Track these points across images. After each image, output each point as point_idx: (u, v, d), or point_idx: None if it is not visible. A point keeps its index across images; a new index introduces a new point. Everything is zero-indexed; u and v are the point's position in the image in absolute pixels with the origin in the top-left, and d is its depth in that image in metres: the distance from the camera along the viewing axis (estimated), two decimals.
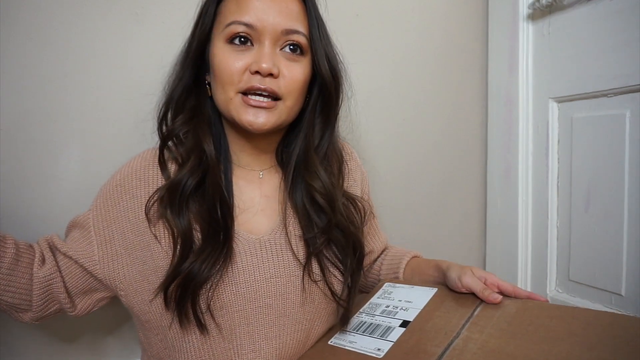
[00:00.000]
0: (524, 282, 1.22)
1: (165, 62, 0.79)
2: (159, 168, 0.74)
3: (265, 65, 0.68)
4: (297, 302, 0.74)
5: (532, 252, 1.21)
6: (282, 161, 0.81)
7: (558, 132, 1.14)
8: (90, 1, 0.86)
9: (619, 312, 0.96)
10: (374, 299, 0.82)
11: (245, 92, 0.70)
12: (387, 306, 0.78)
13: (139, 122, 0.87)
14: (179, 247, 0.68)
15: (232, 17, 0.70)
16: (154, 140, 0.78)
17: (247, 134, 0.76)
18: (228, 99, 0.71)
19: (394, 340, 0.69)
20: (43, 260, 0.72)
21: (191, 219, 0.70)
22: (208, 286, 0.68)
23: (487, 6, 1.29)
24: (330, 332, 0.78)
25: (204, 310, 0.68)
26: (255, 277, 0.71)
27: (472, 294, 0.75)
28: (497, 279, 0.76)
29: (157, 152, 0.74)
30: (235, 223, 0.73)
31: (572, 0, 1.06)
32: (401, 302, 0.78)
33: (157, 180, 0.73)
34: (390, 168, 1.20)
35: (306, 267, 0.74)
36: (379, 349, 0.67)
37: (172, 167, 0.74)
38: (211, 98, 0.76)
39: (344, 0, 1.10)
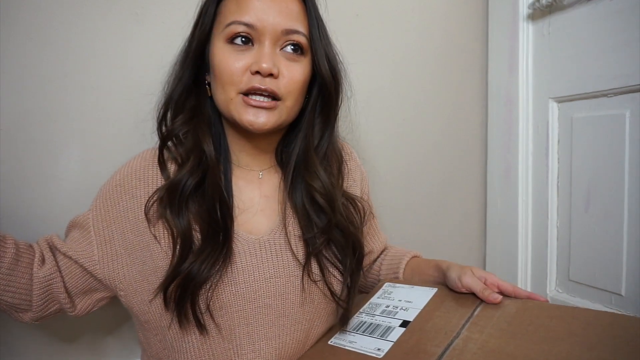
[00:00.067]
0: (524, 282, 1.22)
1: (165, 62, 0.78)
2: (158, 168, 0.74)
3: (265, 65, 0.68)
4: (296, 302, 0.74)
5: (532, 252, 1.21)
6: (281, 161, 0.81)
7: (558, 132, 1.14)
8: (90, 1, 0.86)
9: (619, 312, 0.95)
10: (374, 299, 0.82)
11: (246, 93, 0.70)
12: (387, 306, 0.78)
13: (139, 122, 0.87)
14: (178, 247, 0.68)
15: (232, 17, 0.70)
16: (154, 140, 0.78)
17: (247, 134, 0.76)
18: (228, 99, 0.71)
19: (394, 340, 0.69)
20: (43, 260, 0.72)
21: (191, 219, 0.70)
22: (207, 286, 0.68)
23: (487, 6, 1.29)
24: (330, 332, 0.78)
25: (203, 311, 0.68)
26: (254, 277, 0.71)
27: (472, 294, 0.75)
28: (497, 279, 0.76)
29: (157, 152, 0.74)
30: (235, 223, 0.73)
31: (572, 0, 1.06)
32: (401, 302, 0.78)
33: (156, 180, 0.73)
34: (390, 168, 1.20)
35: (306, 267, 0.74)
36: (379, 349, 0.67)
37: (171, 167, 0.74)
38: (211, 98, 0.76)
39: (344, 0, 1.10)
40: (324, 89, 0.76)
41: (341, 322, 0.76)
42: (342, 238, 0.76)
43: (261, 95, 0.70)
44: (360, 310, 0.80)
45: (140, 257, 0.72)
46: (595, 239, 1.04)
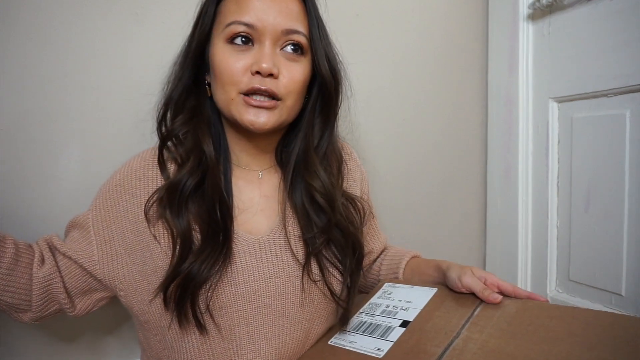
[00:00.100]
0: (524, 282, 1.22)
1: (165, 62, 0.78)
2: (158, 168, 0.74)
3: (265, 66, 0.68)
4: (296, 302, 0.74)
5: (532, 252, 1.21)
6: (281, 161, 0.81)
7: (558, 132, 1.14)
8: (90, 1, 0.86)
9: (619, 312, 0.96)
10: (374, 299, 0.82)
11: (247, 93, 0.70)
12: (387, 306, 0.78)
13: (139, 122, 0.87)
14: (178, 247, 0.68)
15: (232, 17, 0.70)
16: (154, 140, 0.77)
17: (248, 134, 0.76)
18: (229, 99, 0.71)
19: (394, 340, 0.69)
20: (42, 261, 0.71)
21: (190, 220, 0.70)
22: (207, 286, 0.68)
23: (487, 6, 1.29)
24: (330, 332, 0.78)
25: (203, 311, 0.68)
26: (254, 277, 0.71)
27: (472, 294, 0.75)
28: (497, 279, 0.76)
29: (157, 152, 0.74)
30: (235, 223, 0.73)
31: (572, 0, 1.06)
32: (401, 302, 0.78)
33: (156, 180, 0.73)
34: (390, 168, 1.20)
35: (305, 267, 0.74)
36: (379, 349, 0.67)
37: (171, 167, 0.74)
38: (210, 98, 0.76)
39: (344, 0, 1.10)
40: (323, 88, 0.76)
41: (341, 322, 0.76)
42: (342, 238, 0.76)
43: (261, 95, 0.70)
44: (360, 310, 0.80)
45: (140, 257, 0.72)
46: (595, 239, 1.04)
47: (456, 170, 1.31)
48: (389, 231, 1.04)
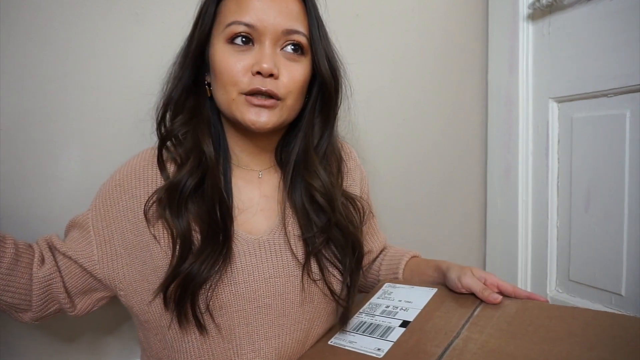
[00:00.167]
0: (524, 282, 1.22)
1: (165, 62, 0.78)
2: (158, 168, 0.74)
3: (266, 66, 0.68)
4: (296, 302, 0.74)
5: (532, 252, 1.21)
6: (281, 161, 0.81)
7: (558, 132, 1.14)
8: (90, 1, 0.86)
9: (619, 312, 0.96)
10: (373, 299, 0.82)
11: (248, 94, 0.70)
12: (387, 306, 0.78)
13: (139, 122, 0.87)
14: (178, 248, 0.68)
15: (233, 17, 0.70)
16: (154, 140, 0.77)
17: (248, 134, 0.76)
18: (230, 99, 0.71)
19: (394, 340, 0.69)
20: (42, 260, 0.71)
21: (190, 220, 0.70)
22: (207, 286, 0.68)
23: (487, 6, 1.29)
24: (330, 332, 0.78)
25: (203, 311, 0.68)
26: (254, 277, 0.71)
27: (472, 295, 0.75)
28: (497, 279, 0.76)
29: (157, 152, 0.74)
30: (235, 223, 0.73)
31: (572, 0, 1.06)
32: (401, 302, 0.78)
33: (156, 179, 0.73)
34: (390, 168, 1.20)
35: (305, 267, 0.74)
36: (379, 349, 0.67)
37: (171, 168, 0.74)
38: (210, 98, 0.76)
39: (344, 0, 1.10)
40: (323, 88, 0.77)
41: (341, 322, 0.76)
42: (342, 237, 0.76)
43: (262, 95, 0.70)
44: (360, 310, 0.80)
45: (140, 256, 0.72)
46: (595, 239, 1.04)
47: (456, 170, 1.31)
48: (389, 231, 1.04)
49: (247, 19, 0.69)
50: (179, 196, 0.70)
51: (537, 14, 1.16)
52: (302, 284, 0.74)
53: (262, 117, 0.70)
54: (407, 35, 1.20)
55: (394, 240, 1.03)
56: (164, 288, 0.68)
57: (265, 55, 0.69)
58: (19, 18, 0.82)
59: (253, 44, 0.71)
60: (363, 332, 0.73)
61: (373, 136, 1.16)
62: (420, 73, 1.23)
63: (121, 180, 0.74)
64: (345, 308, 0.76)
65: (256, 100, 0.69)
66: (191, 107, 0.75)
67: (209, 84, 0.75)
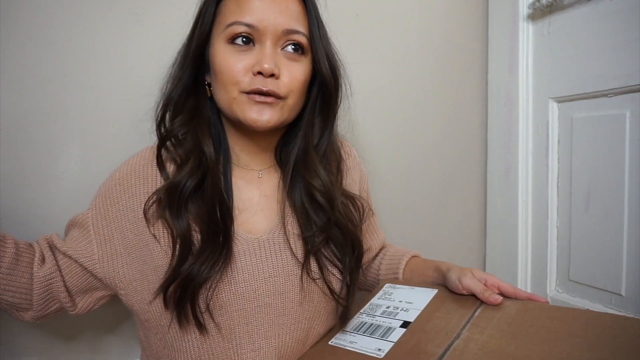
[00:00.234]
0: (524, 282, 1.22)
1: (165, 62, 0.78)
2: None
3: (267, 66, 0.68)
4: (295, 301, 0.74)
5: (532, 252, 1.21)
6: (280, 160, 0.81)
7: (558, 132, 1.14)
8: (90, 1, 0.86)
9: (619, 313, 0.96)
10: (374, 300, 0.82)
11: (249, 93, 0.70)
12: (388, 307, 0.78)
13: (139, 122, 0.87)
14: (177, 248, 0.68)
15: (233, 18, 0.70)
16: (154, 140, 0.77)
17: (248, 133, 0.76)
18: (231, 99, 0.70)
19: (395, 341, 0.69)
20: (43, 260, 0.72)
21: (190, 221, 0.70)
22: (207, 286, 0.68)
23: (487, 6, 1.29)
24: (330, 332, 0.78)
25: (203, 310, 0.68)
26: (254, 276, 0.71)
27: (473, 296, 0.75)
28: (498, 281, 0.76)
29: (156, 151, 0.74)
30: (235, 223, 0.73)
31: (572, 0, 1.06)
32: (402, 303, 0.78)
33: (156, 178, 0.73)
34: (390, 168, 1.20)
35: (304, 266, 0.74)
36: (379, 349, 0.67)
37: (170, 167, 0.74)
38: (210, 98, 0.76)
39: (344, 0, 1.10)
40: (323, 87, 0.77)
41: (341, 320, 0.76)
42: (341, 236, 0.76)
43: (263, 95, 0.70)
44: (361, 311, 0.80)
45: (140, 256, 0.72)
46: (595, 239, 1.04)
47: (456, 170, 1.31)
48: (389, 231, 1.04)
49: (247, 19, 0.69)
50: (178, 197, 0.70)
51: (537, 14, 1.16)
52: (302, 282, 0.74)
53: (264, 116, 0.70)
54: (407, 35, 1.20)
55: (394, 240, 1.03)
56: (164, 289, 0.68)
57: (266, 55, 0.69)
58: (19, 18, 0.81)
59: (253, 44, 0.71)
60: (364, 332, 0.73)
61: (373, 136, 1.16)
62: (420, 73, 1.23)
63: (121, 179, 0.74)
64: (344, 307, 0.76)
65: (258, 97, 0.69)
66: (191, 107, 0.75)
67: (209, 84, 0.75)
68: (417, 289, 0.82)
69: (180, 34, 0.77)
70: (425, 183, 1.26)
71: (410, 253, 0.93)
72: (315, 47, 0.74)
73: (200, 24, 0.74)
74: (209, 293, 0.68)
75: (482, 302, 0.73)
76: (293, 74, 0.72)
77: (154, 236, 0.71)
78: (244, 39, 0.70)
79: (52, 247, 0.74)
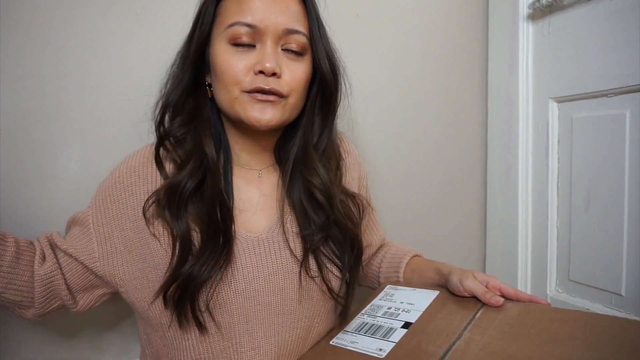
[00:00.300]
0: (524, 282, 1.22)
1: (165, 63, 0.78)
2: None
3: (269, 65, 0.68)
4: (295, 299, 0.73)
5: (532, 252, 1.21)
6: (279, 159, 0.81)
7: (558, 132, 1.14)
8: (90, 1, 0.86)
9: (620, 314, 0.96)
10: (375, 301, 0.82)
11: (250, 92, 0.70)
12: (389, 308, 0.78)
13: (139, 122, 0.86)
14: (177, 249, 0.68)
15: (234, 18, 0.70)
16: (153, 139, 0.77)
17: (249, 132, 0.76)
18: (232, 98, 0.70)
19: (396, 341, 0.69)
20: (44, 258, 0.72)
21: (189, 222, 0.70)
22: (207, 286, 0.68)
23: (487, 6, 1.29)
24: (332, 332, 0.78)
25: (202, 310, 0.68)
26: (254, 274, 0.71)
27: (474, 298, 0.75)
28: (499, 283, 0.76)
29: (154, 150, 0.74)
30: (235, 223, 0.73)
31: (572, 0, 1.06)
32: (403, 304, 0.78)
33: (155, 177, 0.73)
34: (390, 168, 1.20)
35: (303, 264, 0.74)
36: (380, 349, 0.67)
37: (169, 167, 0.73)
38: (211, 99, 0.76)
39: (344, 0, 1.10)
40: (324, 86, 0.77)
41: (340, 318, 0.77)
42: (340, 234, 0.76)
43: (265, 94, 0.70)
44: (362, 311, 0.80)
45: (140, 254, 0.72)
46: (595, 239, 1.04)
47: (456, 170, 1.31)
48: (389, 231, 1.04)
49: (248, 19, 0.69)
50: (178, 197, 0.69)
51: (537, 14, 1.16)
52: (300, 280, 0.74)
53: (266, 115, 0.70)
54: (407, 35, 1.20)
55: (394, 240, 1.03)
56: (164, 289, 0.68)
57: (267, 54, 0.69)
58: (19, 18, 0.81)
59: (254, 44, 0.71)
60: (365, 332, 0.73)
61: (373, 136, 1.16)
62: (420, 73, 1.23)
63: (120, 178, 0.74)
64: (343, 305, 0.76)
65: (260, 95, 0.69)
66: (191, 108, 0.75)
67: (210, 85, 0.75)
68: (418, 290, 0.82)
69: (180, 34, 0.77)
70: (426, 183, 1.26)
71: (412, 252, 0.93)
72: (315, 46, 0.74)
73: (200, 24, 0.73)
74: (209, 293, 0.68)
75: (483, 303, 0.73)
76: (294, 73, 0.72)
77: (154, 235, 0.71)
78: (245, 39, 0.70)
79: (53, 245, 0.74)
